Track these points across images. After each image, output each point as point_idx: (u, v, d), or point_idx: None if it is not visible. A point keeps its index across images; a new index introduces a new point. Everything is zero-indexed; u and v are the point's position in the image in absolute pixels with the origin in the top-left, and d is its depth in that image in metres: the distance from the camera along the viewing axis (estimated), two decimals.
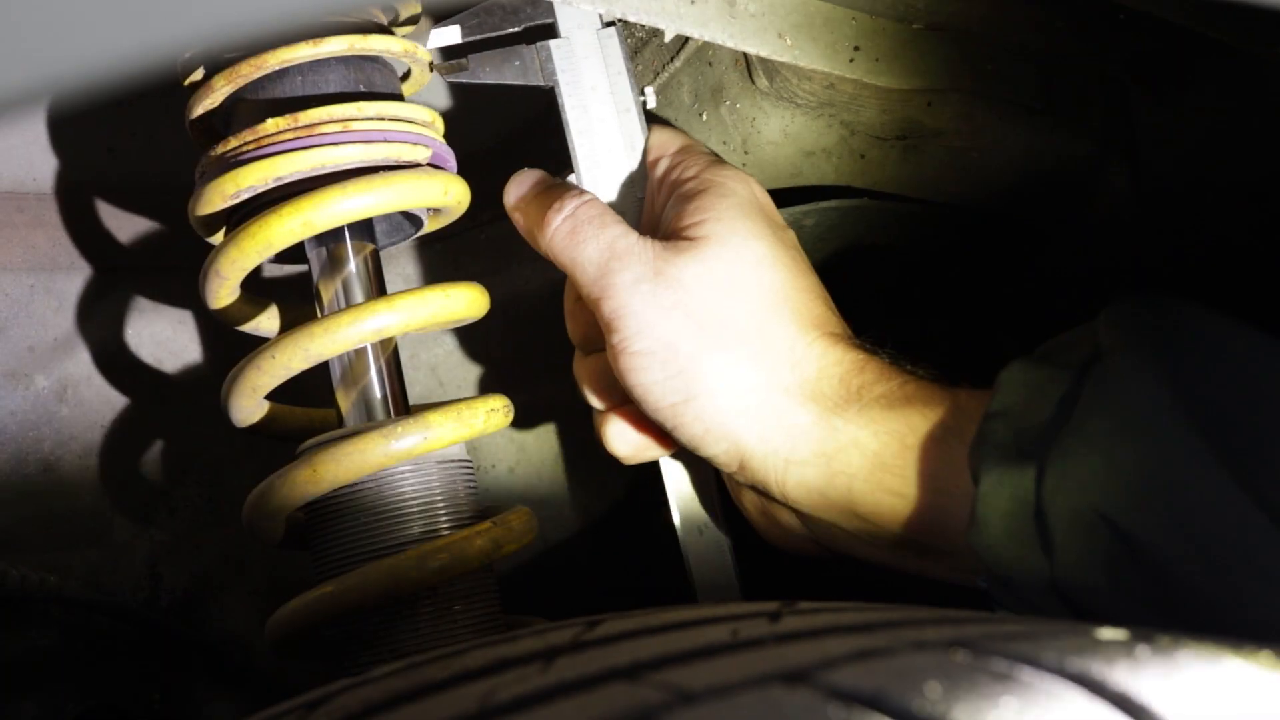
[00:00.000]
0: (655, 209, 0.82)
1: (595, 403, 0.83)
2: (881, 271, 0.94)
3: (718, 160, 0.82)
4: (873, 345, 0.77)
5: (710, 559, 0.84)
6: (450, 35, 0.81)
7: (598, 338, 0.81)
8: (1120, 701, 0.39)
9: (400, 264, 0.97)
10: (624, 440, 0.82)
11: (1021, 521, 0.66)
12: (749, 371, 0.75)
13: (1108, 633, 0.44)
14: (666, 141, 0.83)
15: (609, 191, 0.82)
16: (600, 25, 0.81)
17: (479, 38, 0.81)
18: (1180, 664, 0.42)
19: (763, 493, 0.78)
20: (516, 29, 0.82)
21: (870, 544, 0.76)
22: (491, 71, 0.81)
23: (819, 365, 0.76)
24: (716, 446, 0.77)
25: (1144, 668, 0.41)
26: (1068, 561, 0.64)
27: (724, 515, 0.84)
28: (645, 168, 0.82)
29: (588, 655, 0.45)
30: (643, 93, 0.82)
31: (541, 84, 0.81)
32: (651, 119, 0.83)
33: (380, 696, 0.45)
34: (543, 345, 1.00)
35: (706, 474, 0.84)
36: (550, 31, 0.82)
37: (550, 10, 0.81)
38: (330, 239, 0.79)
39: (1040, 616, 0.65)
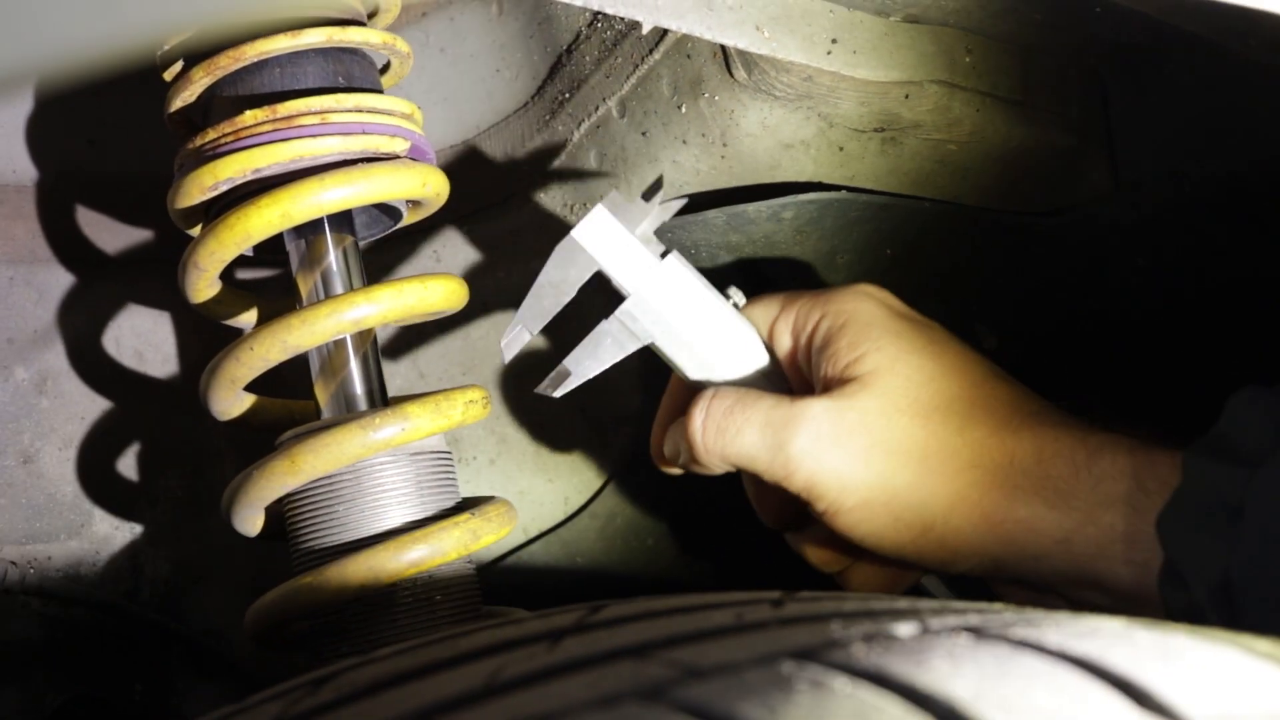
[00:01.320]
0: (805, 377, 0.79)
1: (832, 568, 0.81)
2: (860, 265, 0.95)
3: (824, 291, 0.79)
4: (1076, 411, 0.75)
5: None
6: (520, 340, 0.79)
7: (798, 516, 0.78)
8: (1119, 683, 0.40)
9: (382, 258, 0.97)
10: (878, 583, 0.80)
11: (1214, 513, 0.65)
12: (972, 480, 0.73)
13: (1108, 619, 0.45)
14: (769, 311, 0.80)
15: None
16: (659, 257, 0.78)
17: (545, 323, 0.79)
18: (1179, 650, 0.42)
19: (1024, 584, 0.76)
20: (572, 296, 0.79)
21: (1116, 608, 0.74)
22: (592, 364, 0.78)
23: (1033, 449, 0.73)
24: (968, 563, 0.75)
25: (1143, 652, 0.42)
26: (1251, 553, 0.64)
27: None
28: (771, 356, 0.80)
29: (594, 636, 0.45)
30: (727, 295, 0.80)
31: (641, 344, 0.78)
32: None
33: (387, 673, 0.46)
34: None
35: None
36: (606, 281, 0.78)
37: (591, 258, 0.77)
38: (309, 231, 0.79)
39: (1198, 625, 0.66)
